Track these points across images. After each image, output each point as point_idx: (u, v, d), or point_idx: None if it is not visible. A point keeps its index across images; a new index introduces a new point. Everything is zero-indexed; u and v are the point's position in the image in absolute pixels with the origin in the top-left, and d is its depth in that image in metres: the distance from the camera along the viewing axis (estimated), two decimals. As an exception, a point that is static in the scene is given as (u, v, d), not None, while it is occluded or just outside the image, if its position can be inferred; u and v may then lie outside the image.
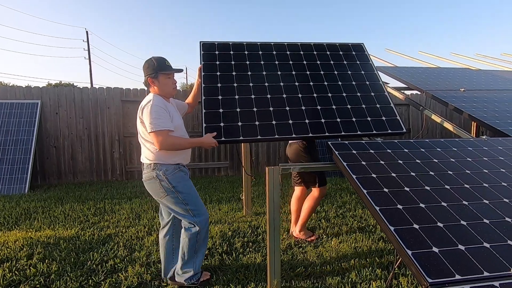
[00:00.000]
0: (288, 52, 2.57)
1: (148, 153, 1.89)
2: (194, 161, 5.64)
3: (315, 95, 2.28)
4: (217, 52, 2.42)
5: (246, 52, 2.49)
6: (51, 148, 5.13)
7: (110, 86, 5.28)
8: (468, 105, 2.86)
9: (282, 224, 3.12)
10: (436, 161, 1.89)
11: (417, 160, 1.88)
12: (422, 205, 1.51)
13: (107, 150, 5.32)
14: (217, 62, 2.35)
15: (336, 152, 1.90)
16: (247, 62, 2.41)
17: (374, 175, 1.71)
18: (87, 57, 21.95)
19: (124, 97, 5.34)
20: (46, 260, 2.37)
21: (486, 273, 1.16)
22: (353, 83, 2.44)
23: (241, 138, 1.99)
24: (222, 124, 2.03)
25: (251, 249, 2.60)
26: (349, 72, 2.52)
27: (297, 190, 2.82)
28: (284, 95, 2.23)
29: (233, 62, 2.39)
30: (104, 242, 2.74)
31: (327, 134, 2.06)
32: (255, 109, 2.12)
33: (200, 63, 2.34)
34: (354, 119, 2.18)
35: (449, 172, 1.78)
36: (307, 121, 2.11)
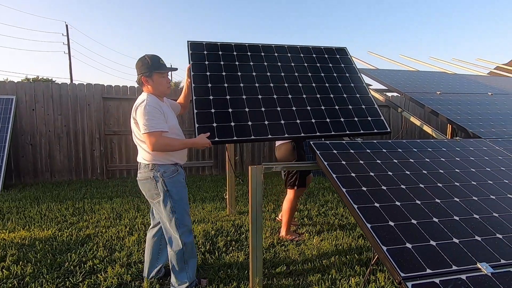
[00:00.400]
0: (276, 54, 2.59)
1: (144, 153, 1.84)
2: (178, 160, 5.58)
3: (304, 96, 2.33)
4: (205, 52, 2.41)
5: (234, 53, 2.49)
6: (26, 146, 4.92)
7: (91, 82, 5.13)
8: (443, 107, 2.99)
9: (265, 223, 3.15)
10: (412, 161, 1.97)
11: (395, 160, 1.95)
12: (398, 203, 1.57)
13: (87, 148, 5.17)
14: (206, 62, 2.34)
15: (318, 152, 1.95)
16: (236, 63, 2.41)
17: (353, 174, 1.76)
18: (66, 51, 21.16)
19: (106, 94, 5.21)
20: (20, 262, 2.29)
21: (454, 267, 1.22)
22: (339, 85, 2.49)
23: (234, 138, 1.97)
24: (215, 125, 2.00)
25: (234, 248, 2.61)
26: (335, 75, 2.58)
27: (290, 193, 2.79)
28: (275, 96, 2.25)
29: (222, 63, 2.38)
30: (82, 243, 2.66)
31: (318, 134, 2.08)
32: (247, 109, 2.11)
33: (189, 63, 2.31)
34: (342, 119, 2.22)
35: (424, 171, 1.86)
36: (298, 121, 2.13)
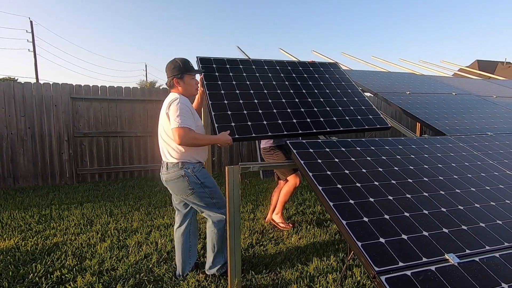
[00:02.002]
0: (277, 67, 2.87)
1: (174, 152, 1.94)
2: (154, 162, 5.41)
3: (309, 99, 2.56)
4: (214, 66, 2.63)
5: (241, 66, 2.73)
6: (-15, 150, 4.56)
7: (58, 82, 4.84)
8: (412, 106, 3.13)
9: (244, 223, 3.13)
10: (384, 158, 2.03)
11: (368, 158, 2.01)
12: (371, 199, 1.61)
13: (55, 152, 4.88)
14: (216, 74, 2.55)
15: (294, 151, 1.96)
16: (244, 74, 2.64)
17: (329, 173, 1.79)
18: (31, 49, 19.90)
19: (74, 94, 4.94)
20: (-22, 276, 2.11)
21: (424, 259, 1.27)
22: (338, 91, 2.78)
23: (253, 135, 2.11)
24: (233, 124, 2.14)
25: (212, 250, 2.57)
26: (332, 83, 2.87)
27: (291, 178, 2.90)
28: (283, 100, 2.47)
29: (231, 74, 2.60)
30: (49, 252, 2.50)
31: (328, 130, 2.30)
32: (260, 111, 2.30)
33: (200, 74, 2.50)
34: (347, 118, 2.46)
35: (395, 168, 1.93)
36: (308, 120, 2.34)
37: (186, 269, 2.17)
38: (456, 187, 1.81)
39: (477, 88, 4.34)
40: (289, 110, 2.37)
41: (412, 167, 1.96)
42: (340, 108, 2.54)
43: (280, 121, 2.25)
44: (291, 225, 3.04)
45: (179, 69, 1.99)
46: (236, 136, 2.05)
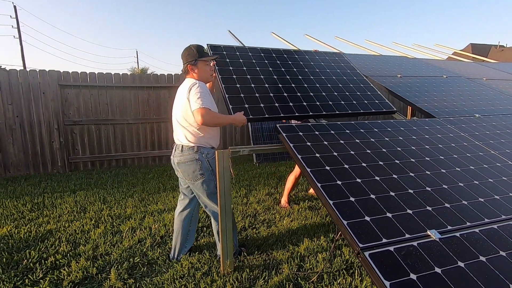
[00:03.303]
0: (285, 55, 2.93)
1: (191, 136, 2.00)
2: (146, 149, 5.39)
3: (317, 85, 2.67)
4: (224, 53, 2.70)
5: (250, 54, 2.80)
6: (-27, 140, 4.48)
7: (45, 69, 4.71)
8: (403, 89, 3.14)
9: (237, 208, 3.17)
10: (373, 140, 2.06)
11: (357, 140, 2.03)
12: (358, 180, 1.64)
13: (45, 140, 4.82)
14: (227, 60, 2.62)
15: (284, 134, 1.97)
16: (254, 61, 2.71)
17: (318, 155, 1.81)
18: (17, 36, 19.24)
19: (63, 81, 4.83)
20: (-28, 263, 2.12)
21: (407, 235, 1.32)
22: (344, 77, 2.87)
23: (266, 116, 2.17)
24: (246, 106, 2.21)
25: (205, 234, 2.61)
26: (338, 71, 2.96)
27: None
28: (293, 85, 2.55)
29: (241, 60, 2.67)
30: (43, 239, 2.52)
31: (337, 112, 2.39)
32: (271, 94, 2.38)
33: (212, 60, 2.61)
34: (354, 102, 2.56)
35: (383, 149, 1.96)
36: (317, 103, 2.43)
37: (181, 253, 2.22)
38: (442, 167, 1.85)
39: (467, 71, 4.36)
40: (298, 94, 2.45)
41: (399, 149, 1.99)
42: (347, 93, 2.63)
43: (291, 104, 2.33)
44: (288, 207, 3.18)
45: (193, 56, 2.03)
46: (250, 116, 2.13)
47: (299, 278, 1.97)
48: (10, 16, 19.75)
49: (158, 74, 5.36)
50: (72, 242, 2.47)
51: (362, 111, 2.46)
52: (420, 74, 3.79)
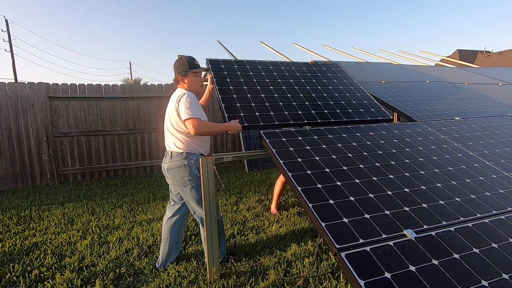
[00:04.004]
0: (282, 67, 3.02)
1: (179, 143, 2.04)
2: (137, 160, 5.38)
3: (313, 94, 2.73)
4: (223, 66, 2.79)
5: (247, 66, 2.88)
6: (-40, 153, 4.42)
7: (38, 81, 4.70)
8: (386, 95, 3.22)
9: (226, 215, 3.17)
10: (355, 144, 2.10)
11: (339, 144, 2.07)
12: (338, 183, 1.68)
13: (34, 153, 4.78)
14: (225, 72, 2.69)
15: (267, 140, 2.00)
16: (251, 73, 2.79)
17: (299, 159, 1.84)
18: (8, 49, 19.19)
19: (52, 93, 4.83)
20: (-47, 278, 2.08)
21: (384, 235, 1.34)
22: (341, 87, 2.94)
23: (261, 123, 2.22)
24: (242, 114, 2.26)
25: (193, 242, 2.60)
26: (335, 81, 3.05)
27: None
28: (289, 95, 2.62)
29: (238, 72, 2.75)
30: (28, 252, 2.48)
31: (332, 120, 2.43)
32: (267, 104, 2.44)
33: (210, 73, 2.64)
34: (350, 110, 2.62)
35: (364, 153, 2.00)
36: (313, 111, 2.48)
37: (168, 260, 2.21)
38: (421, 168, 1.90)
39: (450, 76, 4.49)
40: (294, 103, 2.51)
41: (380, 152, 2.04)
42: (343, 102, 2.69)
43: (286, 112, 2.38)
44: (277, 213, 3.21)
45: (184, 67, 2.09)
46: (246, 124, 2.17)
47: (285, 283, 1.97)
48: (1, 30, 19.76)
49: (149, 84, 5.40)
50: (58, 254, 2.44)
51: (357, 119, 2.50)
52: (403, 80, 3.89)
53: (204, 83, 2.32)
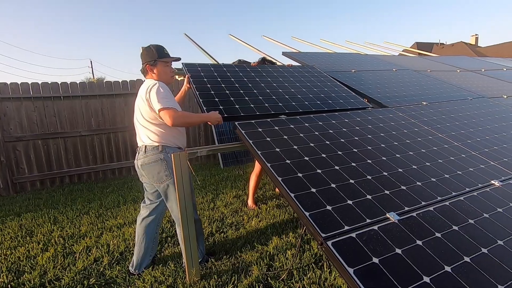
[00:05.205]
0: (259, 69, 3.02)
1: (153, 135, 1.90)
2: (104, 162, 5.03)
3: (292, 90, 2.70)
4: (199, 69, 2.74)
5: (224, 68, 2.86)
6: None
7: (-24, 80, 4.18)
8: (357, 83, 3.26)
9: (203, 213, 3.05)
10: (332, 131, 2.08)
11: (316, 132, 2.04)
12: (319, 171, 1.63)
13: (-18, 161, 4.28)
14: (202, 74, 2.64)
15: (243, 131, 1.91)
16: (228, 74, 2.76)
17: (277, 149, 1.77)
18: None
19: (0, 94, 4.34)
20: None
21: (368, 220, 1.32)
22: (318, 83, 2.96)
23: (241, 114, 2.14)
24: (221, 107, 2.18)
25: (169, 244, 2.46)
26: (312, 78, 3.08)
27: (257, 165, 3.17)
28: (268, 91, 2.58)
29: (215, 74, 2.70)
30: (-22, 271, 2.19)
31: (313, 110, 2.40)
32: (246, 98, 2.38)
33: (186, 74, 2.56)
34: (330, 101, 2.63)
35: (342, 140, 1.99)
36: (293, 103, 2.46)
37: (144, 262, 2.07)
38: (396, 152, 1.92)
39: (414, 64, 4.68)
40: (274, 97, 2.48)
41: (357, 138, 2.03)
42: (322, 95, 2.70)
43: (266, 105, 2.33)
44: (256, 207, 3.13)
45: (152, 56, 1.94)
46: (226, 115, 2.08)
47: (269, 278, 1.91)
48: None
49: (112, 81, 5.05)
50: (15, 270, 2.18)
51: (338, 108, 2.52)
52: (372, 68, 3.98)
53: (179, 78, 2.21)
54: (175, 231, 2.68)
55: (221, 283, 1.89)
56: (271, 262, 2.08)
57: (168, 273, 2.02)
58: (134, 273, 2.04)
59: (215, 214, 3.02)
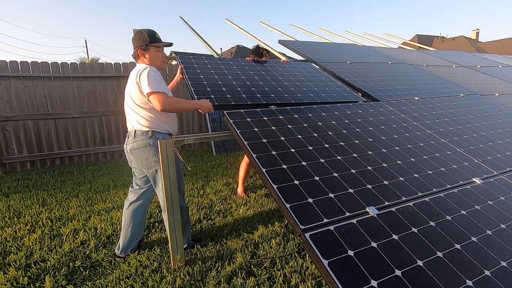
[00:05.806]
0: (253, 63, 3.04)
1: (143, 120, 1.89)
2: (95, 145, 5.00)
3: (286, 83, 2.71)
4: (193, 60, 2.76)
5: (218, 61, 2.87)
6: None
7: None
8: (351, 75, 3.24)
9: (193, 200, 3.07)
10: (320, 124, 2.08)
11: (305, 124, 2.04)
12: (304, 163, 1.64)
13: (-30, 140, 4.22)
14: (195, 65, 2.66)
15: (231, 121, 1.90)
16: (222, 66, 2.77)
17: (264, 140, 1.77)
18: None
19: (-12, 71, 4.23)
20: None
21: (347, 213, 1.34)
22: (313, 78, 2.95)
23: (232, 103, 2.13)
24: (212, 96, 2.18)
25: (157, 229, 2.49)
26: (306, 73, 3.05)
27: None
28: (261, 83, 2.58)
29: (209, 66, 2.72)
30: (-36, 251, 2.20)
31: (305, 101, 2.40)
32: (239, 89, 2.39)
33: (180, 65, 2.57)
34: (323, 94, 2.62)
35: (330, 133, 1.99)
36: (286, 95, 2.45)
37: (130, 247, 2.09)
38: (383, 147, 1.93)
39: (410, 58, 4.65)
40: (266, 89, 2.48)
41: (345, 131, 2.04)
42: (316, 89, 2.70)
43: (258, 95, 2.33)
44: (245, 195, 3.17)
45: (144, 40, 1.93)
46: (216, 103, 2.08)
47: (252, 265, 1.95)
48: None
49: (104, 63, 4.95)
50: (1, 251, 2.19)
51: (330, 100, 2.52)
52: (367, 61, 3.95)
53: (173, 63, 2.18)
54: (163, 216, 2.70)
55: (204, 269, 1.93)
56: (255, 250, 2.12)
57: (153, 257, 2.05)
58: (120, 256, 2.07)
59: (204, 201, 3.04)
